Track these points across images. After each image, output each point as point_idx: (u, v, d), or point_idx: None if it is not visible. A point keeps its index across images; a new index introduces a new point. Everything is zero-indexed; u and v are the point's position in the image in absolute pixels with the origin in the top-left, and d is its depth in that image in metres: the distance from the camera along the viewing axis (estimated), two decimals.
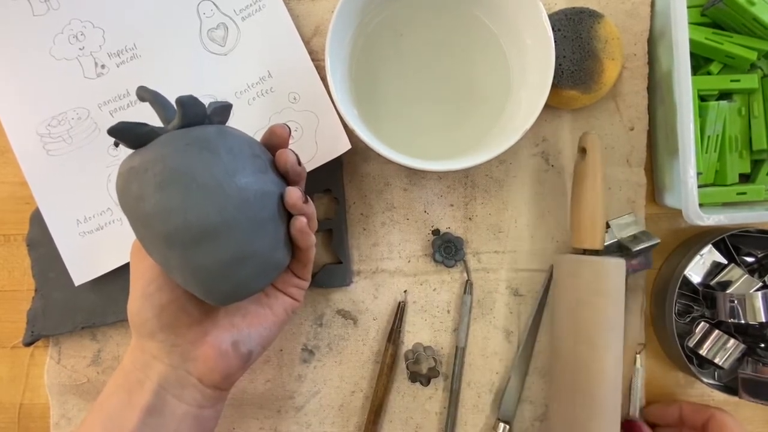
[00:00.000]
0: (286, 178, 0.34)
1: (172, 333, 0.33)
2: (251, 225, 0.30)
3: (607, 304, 0.39)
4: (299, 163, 0.34)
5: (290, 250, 0.34)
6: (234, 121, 0.44)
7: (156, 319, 0.33)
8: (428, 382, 0.44)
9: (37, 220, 0.45)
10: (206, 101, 0.43)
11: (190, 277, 0.30)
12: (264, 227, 0.31)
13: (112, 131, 0.29)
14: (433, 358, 0.44)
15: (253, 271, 0.31)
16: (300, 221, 0.33)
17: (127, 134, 0.30)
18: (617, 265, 0.40)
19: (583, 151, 0.42)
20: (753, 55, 0.42)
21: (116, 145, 0.31)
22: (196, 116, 0.32)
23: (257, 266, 0.31)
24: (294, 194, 0.32)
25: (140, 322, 0.33)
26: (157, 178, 0.29)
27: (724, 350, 0.42)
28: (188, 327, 0.34)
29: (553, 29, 0.38)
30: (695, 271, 0.43)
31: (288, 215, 0.33)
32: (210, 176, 0.29)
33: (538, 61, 0.39)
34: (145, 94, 0.32)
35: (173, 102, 0.32)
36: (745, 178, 0.44)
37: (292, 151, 0.34)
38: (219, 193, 0.29)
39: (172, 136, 0.30)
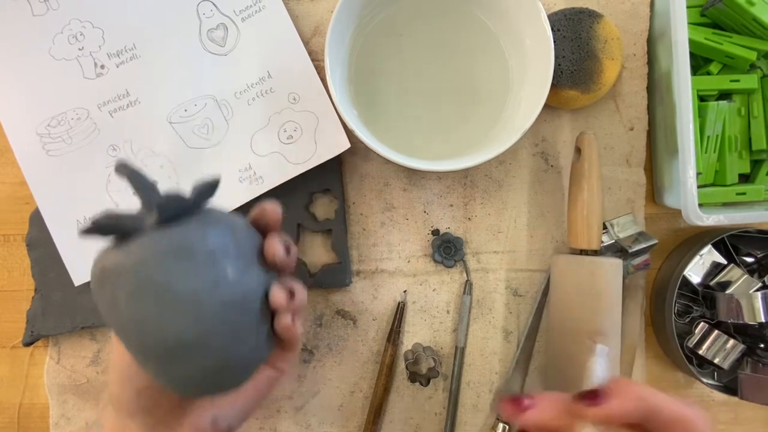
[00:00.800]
0: (273, 267, 0.33)
1: (150, 416, 0.32)
2: (229, 333, 0.29)
3: (600, 305, 0.39)
4: (288, 252, 0.32)
5: (274, 343, 0.33)
6: (234, 122, 0.44)
7: (135, 401, 0.32)
8: (428, 383, 0.44)
9: (36, 220, 0.45)
10: (206, 102, 0.44)
11: (166, 383, 0.29)
12: (243, 333, 0.30)
13: (84, 232, 0.28)
14: (433, 358, 0.44)
15: (232, 374, 0.30)
16: (284, 320, 0.32)
17: (103, 232, 0.29)
18: (613, 265, 0.40)
19: (578, 151, 0.42)
20: (752, 56, 0.42)
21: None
22: (176, 212, 0.30)
23: (236, 369, 0.30)
24: (278, 297, 0.31)
25: (119, 403, 0.33)
26: (131, 287, 0.27)
27: (723, 350, 0.42)
28: (167, 409, 0.33)
29: (552, 29, 0.38)
30: (695, 272, 0.43)
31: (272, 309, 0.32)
32: (186, 287, 0.27)
33: (537, 61, 0.39)
34: (124, 171, 0.29)
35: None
36: (744, 179, 0.44)
37: (281, 239, 0.32)
38: (195, 305, 0.27)
39: (149, 240, 0.28)
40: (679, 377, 0.46)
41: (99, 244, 0.43)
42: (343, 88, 0.41)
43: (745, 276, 0.42)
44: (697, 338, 0.43)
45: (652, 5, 0.45)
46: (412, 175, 0.46)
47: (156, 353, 0.28)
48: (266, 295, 0.31)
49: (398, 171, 0.46)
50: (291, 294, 0.32)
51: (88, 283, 0.44)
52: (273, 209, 0.34)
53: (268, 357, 0.33)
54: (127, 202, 0.44)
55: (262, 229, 0.34)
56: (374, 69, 0.43)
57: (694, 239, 0.44)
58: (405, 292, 0.46)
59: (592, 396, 0.27)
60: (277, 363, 0.37)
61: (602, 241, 0.42)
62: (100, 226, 0.28)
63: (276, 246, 0.32)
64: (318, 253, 0.46)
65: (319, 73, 0.44)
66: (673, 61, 0.39)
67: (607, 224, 0.43)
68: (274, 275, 0.33)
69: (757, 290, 0.41)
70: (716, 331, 0.42)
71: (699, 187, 0.40)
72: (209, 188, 0.31)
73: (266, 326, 0.31)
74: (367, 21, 0.42)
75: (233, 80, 0.44)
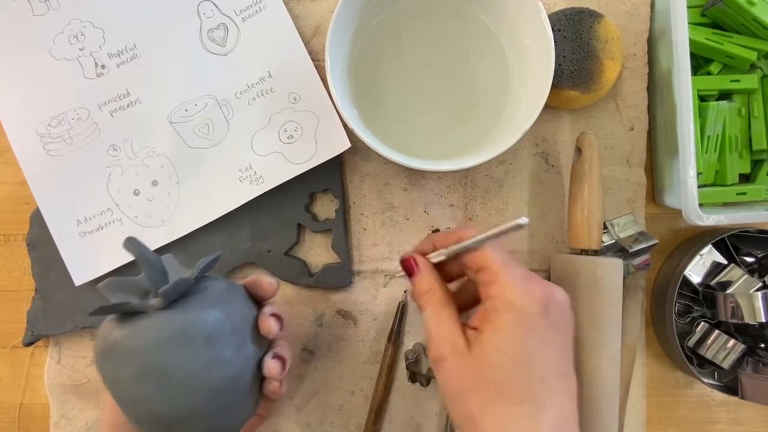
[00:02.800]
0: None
1: None
2: (219, 407, 0.32)
3: (602, 304, 0.39)
4: (281, 326, 0.35)
5: (261, 398, 0.36)
6: (234, 122, 0.44)
7: None
8: (428, 382, 0.44)
9: (37, 220, 0.45)
10: (207, 102, 0.44)
11: None
12: (233, 405, 0.33)
13: (94, 313, 0.30)
14: None
15: None
16: (274, 387, 0.35)
17: (110, 313, 0.31)
18: (614, 265, 0.40)
19: (579, 151, 0.42)
20: (753, 56, 0.42)
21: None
22: (180, 294, 0.32)
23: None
24: (273, 369, 0.34)
25: None
26: (133, 370, 0.30)
27: (724, 350, 0.42)
28: None
29: (552, 29, 0.38)
30: (695, 271, 0.43)
31: (261, 372, 0.35)
32: (185, 373, 0.30)
33: (537, 61, 0.39)
34: (132, 248, 0.31)
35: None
36: (745, 178, 0.44)
37: (275, 311, 0.35)
38: (191, 388, 0.30)
39: (153, 324, 0.31)
40: (680, 377, 0.46)
41: (101, 245, 0.44)
42: (343, 87, 0.41)
43: (746, 276, 0.42)
44: (698, 338, 0.43)
45: (652, 5, 0.45)
46: (413, 174, 0.46)
47: (151, 425, 0.31)
48: (258, 363, 0.34)
49: (399, 171, 0.46)
50: (284, 362, 0.35)
51: (88, 283, 0.44)
52: (269, 284, 0.36)
53: (256, 412, 0.36)
54: (128, 203, 0.44)
55: (258, 299, 0.37)
56: (375, 69, 0.43)
57: (695, 239, 0.44)
58: (406, 292, 0.46)
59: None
60: (261, 411, 0.39)
61: (602, 241, 0.42)
62: (107, 310, 0.30)
63: (270, 324, 0.34)
64: (318, 252, 0.46)
65: (319, 73, 0.44)
66: (673, 61, 0.39)
67: (608, 224, 0.43)
68: (267, 341, 0.36)
69: (758, 290, 0.41)
70: (717, 331, 0.42)
71: (699, 187, 0.40)
72: (210, 264, 0.34)
73: (256, 390, 0.35)
74: (367, 21, 0.42)
75: (234, 80, 0.44)
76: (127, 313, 0.32)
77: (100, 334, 0.32)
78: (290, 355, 0.36)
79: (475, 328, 0.31)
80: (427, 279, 0.34)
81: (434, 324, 0.33)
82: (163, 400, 0.30)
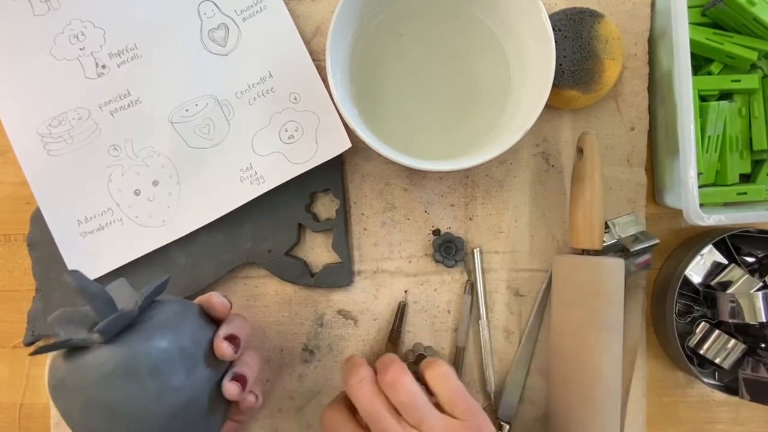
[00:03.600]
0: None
1: None
2: None
3: (604, 305, 0.39)
4: (237, 348, 0.34)
5: (230, 409, 0.35)
6: (235, 122, 0.44)
7: None
8: None
9: (37, 220, 0.45)
10: (207, 102, 0.44)
11: None
12: (193, 428, 0.32)
13: (34, 353, 0.30)
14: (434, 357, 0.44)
15: None
16: (247, 402, 0.34)
17: (51, 350, 0.31)
18: (615, 265, 0.40)
19: (581, 151, 0.42)
20: (753, 55, 0.42)
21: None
22: (122, 327, 0.32)
23: None
24: (231, 391, 0.33)
25: None
26: (81, 406, 0.30)
27: (724, 350, 0.42)
28: None
29: (553, 29, 0.38)
30: (696, 271, 0.43)
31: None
32: (131, 405, 0.30)
33: (538, 61, 0.39)
34: (73, 281, 0.31)
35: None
36: (745, 178, 0.44)
37: (230, 331, 0.34)
38: (140, 420, 0.30)
39: (95, 360, 0.31)
40: (680, 377, 0.46)
41: (102, 246, 0.43)
42: (344, 87, 0.41)
43: (746, 276, 0.42)
44: (698, 338, 0.43)
45: (652, 5, 0.45)
46: (413, 174, 0.46)
47: None
48: (218, 383, 0.33)
49: (399, 171, 0.46)
50: (244, 381, 0.34)
51: None
52: (221, 305, 0.35)
53: (225, 423, 0.35)
54: (128, 203, 0.44)
55: (213, 318, 0.36)
56: (375, 69, 0.43)
57: (695, 239, 0.44)
58: (406, 292, 0.46)
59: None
60: (237, 417, 0.39)
61: (603, 241, 0.42)
62: (49, 348, 0.30)
63: (223, 349, 0.33)
64: (319, 252, 0.46)
65: (320, 73, 0.44)
66: (674, 61, 0.39)
67: (609, 224, 0.43)
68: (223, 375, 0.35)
69: (758, 290, 0.41)
70: (717, 331, 0.42)
71: (700, 187, 0.40)
72: (156, 291, 0.33)
73: (221, 408, 0.34)
74: (368, 21, 0.42)
75: (234, 80, 0.44)
76: (73, 348, 0.31)
77: (50, 368, 0.32)
78: (256, 366, 0.36)
79: None
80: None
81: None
82: None
